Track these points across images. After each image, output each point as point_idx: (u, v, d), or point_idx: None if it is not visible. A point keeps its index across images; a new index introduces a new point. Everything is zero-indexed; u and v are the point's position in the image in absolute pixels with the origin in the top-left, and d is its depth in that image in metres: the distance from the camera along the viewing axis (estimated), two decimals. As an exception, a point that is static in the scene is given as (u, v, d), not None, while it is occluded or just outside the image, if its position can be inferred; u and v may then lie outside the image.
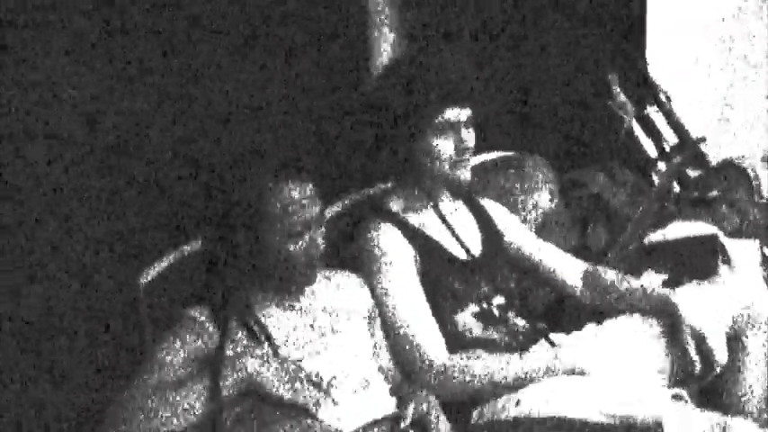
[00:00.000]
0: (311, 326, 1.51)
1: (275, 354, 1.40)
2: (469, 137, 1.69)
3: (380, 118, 1.70)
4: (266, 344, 1.43)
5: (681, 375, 1.69)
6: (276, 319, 1.48)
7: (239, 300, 1.47)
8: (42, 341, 1.56)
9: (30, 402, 1.55)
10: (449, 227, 1.73)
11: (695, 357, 1.67)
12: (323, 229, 1.48)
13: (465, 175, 1.71)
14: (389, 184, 1.84)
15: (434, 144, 1.68)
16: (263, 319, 1.46)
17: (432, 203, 1.75)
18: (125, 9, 1.64)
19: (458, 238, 1.73)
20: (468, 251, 1.73)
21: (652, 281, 1.94)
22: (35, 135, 1.54)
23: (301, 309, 1.52)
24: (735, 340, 1.77)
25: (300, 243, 1.44)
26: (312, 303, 1.54)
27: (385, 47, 2.13)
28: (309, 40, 1.97)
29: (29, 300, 1.55)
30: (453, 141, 1.68)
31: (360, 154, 1.80)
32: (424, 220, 1.75)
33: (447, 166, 1.69)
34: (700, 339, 1.68)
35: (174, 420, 1.27)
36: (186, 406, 1.28)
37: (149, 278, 1.59)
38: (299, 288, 1.51)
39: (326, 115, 2.00)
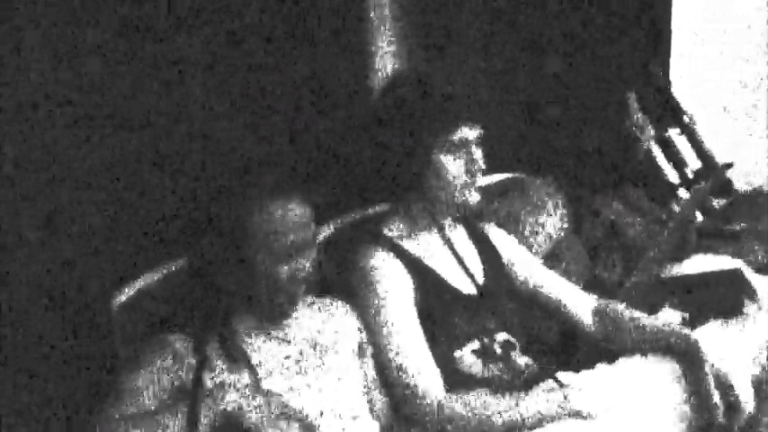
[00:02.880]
0: (298, 358, 1.47)
1: (258, 387, 1.35)
2: (479, 156, 1.67)
3: (385, 134, 1.67)
4: (249, 375, 1.39)
5: (702, 424, 1.63)
6: (260, 349, 1.44)
7: (220, 325, 1.44)
8: (6, 363, 1.52)
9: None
10: (456, 254, 1.70)
11: (718, 404, 1.62)
12: (314, 254, 1.45)
13: (475, 197, 1.68)
14: (386, 207, 1.80)
15: (445, 164, 1.63)
16: (246, 349, 1.42)
17: (436, 228, 1.71)
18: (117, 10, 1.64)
19: (464, 267, 1.69)
20: (469, 282, 1.69)
21: (670, 318, 1.90)
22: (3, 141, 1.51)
23: (288, 339, 1.48)
24: (761, 385, 1.74)
25: (289, 266, 1.41)
26: (299, 334, 1.50)
27: (387, 58, 2.12)
28: (308, 50, 1.95)
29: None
30: (464, 161, 1.65)
31: (358, 172, 1.79)
32: (423, 247, 1.70)
33: (457, 188, 1.66)
34: (723, 384, 1.64)
35: None
36: None
37: (124, 298, 1.53)
38: (282, 312, 1.47)
39: (324, 129, 1.98)
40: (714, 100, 2.75)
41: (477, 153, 1.65)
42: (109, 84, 1.60)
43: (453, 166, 1.63)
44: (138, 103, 1.65)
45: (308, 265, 1.42)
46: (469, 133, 1.63)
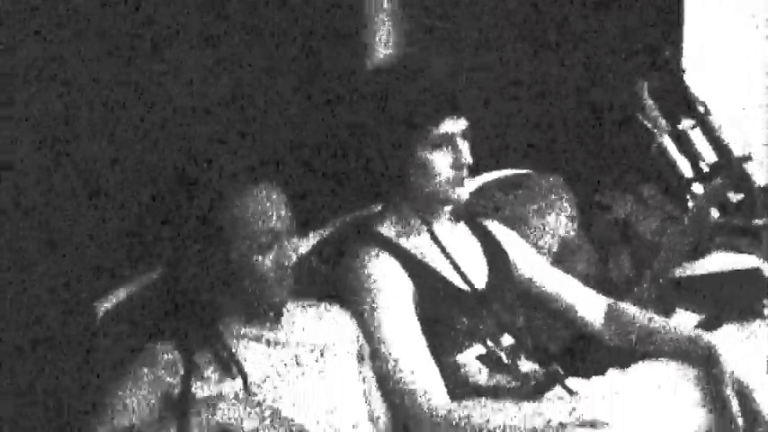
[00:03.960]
0: (291, 363, 1.44)
1: (250, 396, 1.35)
2: (466, 150, 1.65)
3: (371, 127, 1.65)
4: (240, 384, 1.36)
5: (720, 431, 1.59)
6: (251, 355, 1.41)
7: (206, 332, 1.41)
8: None
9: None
10: (446, 254, 1.66)
11: (738, 413, 1.58)
12: (295, 242, 1.43)
13: (462, 193, 1.66)
14: (380, 206, 1.78)
15: (429, 159, 1.63)
16: (237, 354, 1.39)
17: (426, 227, 1.68)
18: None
19: (458, 267, 1.65)
20: (470, 282, 1.66)
21: (685, 321, 1.90)
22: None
23: (280, 343, 1.45)
24: None
25: (269, 255, 1.39)
26: (292, 337, 1.47)
27: (378, 48, 2.11)
28: (295, 43, 1.94)
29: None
30: (450, 156, 1.64)
31: (346, 168, 1.76)
32: (421, 245, 1.68)
33: (443, 184, 1.64)
34: (742, 390, 1.59)
35: None
36: None
37: (108, 305, 1.52)
38: (272, 309, 1.44)
39: (308, 121, 1.97)
40: (731, 89, 2.74)
41: (464, 147, 1.64)
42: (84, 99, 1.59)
43: (437, 161, 1.62)
44: (114, 108, 1.63)
45: (291, 251, 1.40)
46: (453, 126, 1.62)
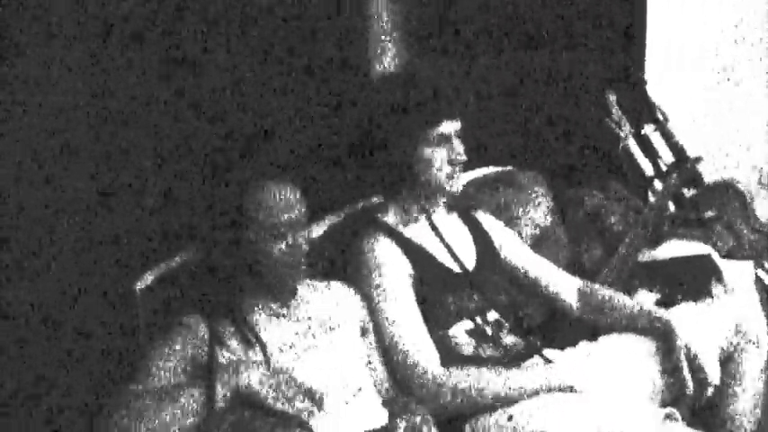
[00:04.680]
0: (304, 335, 1.51)
1: (268, 363, 1.40)
2: (461, 148, 1.71)
3: (375, 131, 1.71)
4: (259, 353, 1.43)
5: (673, 395, 1.69)
6: (269, 328, 1.49)
7: (230, 306, 1.48)
8: (35, 345, 1.55)
9: (23, 406, 1.55)
10: (442, 240, 1.73)
11: (688, 377, 1.67)
12: (307, 231, 1.50)
13: (457, 185, 1.73)
14: (382, 197, 1.84)
15: (429, 155, 1.69)
16: (256, 328, 1.47)
17: (425, 215, 1.75)
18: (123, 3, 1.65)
19: (451, 252, 1.73)
20: (462, 265, 1.73)
21: (645, 299, 1.95)
22: (25, 134, 1.53)
23: (294, 317, 1.53)
24: (727, 361, 1.77)
25: (284, 244, 1.46)
26: (305, 312, 1.54)
27: (381, 55, 2.13)
28: (307, 45, 1.97)
29: (21, 305, 1.55)
30: (447, 152, 1.70)
31: (353, 164, 1.81)
32: (419, 232, 1.75)
33: (441, 177, 1.71)
34: (693, 359, 1.68)
35: (168, 427, 1.26)
36: (179, 414, 1.28)
37: (145, 284, 1.59)
38: (286, 290, 1.52)
39: (318, 121, 2.01)
40: (688, 98, 2.80)
41: (458, 145, 1.70)
42: (123, 87, 1.62)
43: (437, 157, 1.69)
44: (138, 96, 1.66)
45: (303, 243, 1.47)
46: (450, 127, 1.68)
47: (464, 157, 1.71)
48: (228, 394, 1.31)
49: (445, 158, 1.70)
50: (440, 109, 1.68)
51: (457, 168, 1.71)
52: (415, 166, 1.70)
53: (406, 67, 2.14)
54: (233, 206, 1.45)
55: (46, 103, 1.53)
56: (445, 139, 1.69)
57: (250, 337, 1.44)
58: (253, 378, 1.33)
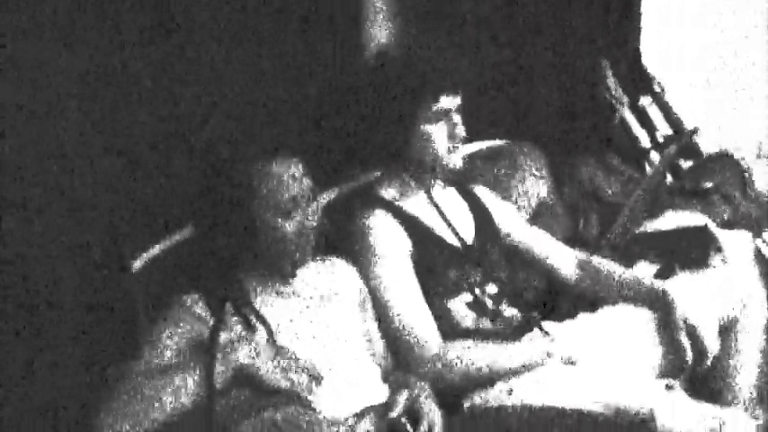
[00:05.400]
0: (305, 311, 1.51)
1: (269, 341, 1.40)
2: (460, 123, 1.71)
3: (374, 107, 1.71)
4: (260, 331, 1.43)
5: (673, 365, 1.70)
6: (270, 306, 1.48)
7: (235, 284, 1.48)
8: (33, 324, 1.55)
9: (23, 384, 1.55)
10: (441, 214, 1.73)
11: (687, 347, 1.67)
12: (315, 206, 1.49)
13: (457, 161, 1.72)
14: (380, 172, 1.84)
15: (429, 130, 1.68)
16: (256, 306, 1.46)
17: (425, 190, 1.75)
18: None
19: (450, 225, 1.73)
20: (461, 239, 1.73)
21: (644, 271, 1.93)
22: (23, 119, 1.52)
23: (294, 294, 1.52)
24: (726, 331, 1.78)
25: (292, 220, 1.45)
26: (306, 289, 1.54)
27: (378, 31, 2.12)
28: (301, 24, 1.95)
29: (21, 283, 1.54)
30: (447, 128, 1.69)
31: (352, 139, 1.81)
32: (417, 207, 1.75)
33: (441, 152, 1.70)
34: (691, 330, 1.68)
35: (168, 405, 1.27)
36: (180, 391, 1.28)
37: (143, 263, 1.59)
38: (294, 267, 1.50)
39: (317, 99, 1.99)
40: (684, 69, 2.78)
41: (458, 120, 1.69)
42: (124, 66, 1.61)
43: (436, 133, 1.67)
44: (143, 78, 1.66)
45: (311, 217, 1.47)
46: (449, 103, 1.67)
47: (464, 133, 1.70)
48: (229, 374, 1.31)
49: (445, 134, 1.69)
50: (439, 84, 1.66)
51: (457, 144, 1.70)
52: (414, 142, 1.69)
53: (401, 42, 2.12)
54: (237, 184, 1.44)
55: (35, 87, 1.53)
56: (444, 115, 1.68)
57: (252, 317, 1.43)
58: (253, 356, 1.33)
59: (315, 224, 1.49)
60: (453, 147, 1.70)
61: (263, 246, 1.46)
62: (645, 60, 2.50)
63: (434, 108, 1.67)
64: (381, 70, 1.72)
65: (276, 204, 1.44)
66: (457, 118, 1.70)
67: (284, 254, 1.47)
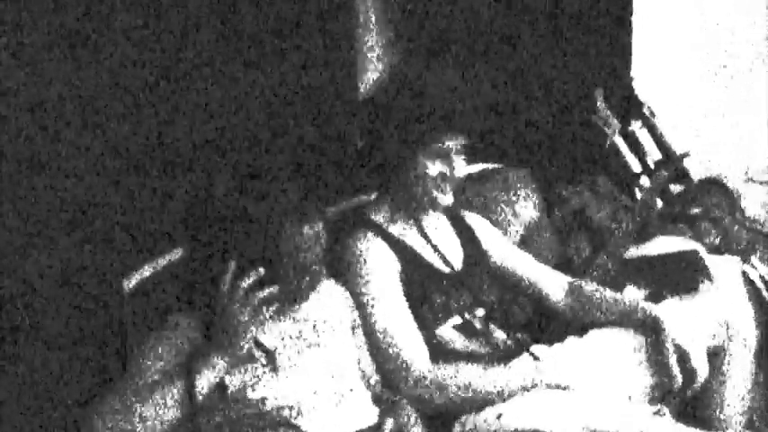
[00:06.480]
0: (296, 336, 1.50)
1: (274, 366, 1.41)
2: (459, 164, 1.70)
3: (372, 133, 1.71)
4: (263, 358, 1.42)
5: (662, 390, 1.70)
6: (265, 330, 1.47)
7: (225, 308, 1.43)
8: (24, 344, 1.55)
9: (11, 403, 1.54)
10: (428, 240, 1.74)
11: (676, 372, 1.68)
12: (323, 236, 1.46)
13: (448, 199, 1.71)
14: (373, 196, 1.84)
15: (425, 166, 1.67)
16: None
17: (412, 219, 1.75)
18: (116, 11, 1.66)
19: (438, 252, 1.73)
20: (449, 264, 1.74)
21: (633, 295, 1.95)
22: (21, 135, 1.52)
23: (287, 318, 1.52)
24: (715, 355, 1.79)
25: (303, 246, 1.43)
26: (298, 314, 1.53)
27: (373, 59, 2.15)
28: (298, 52, 1.98)
29: (11, 302, 1.54)
30: (443, 167, 1.68)
31: (346, 164, 1.83)
32: (408, 231, 1.75)
33: (431, 188, 1.69)
34: (681, 354, 1.69)
35: (152, 423, 1.28)
36: (163, 408, 1.29)
37: (134, 282, 1.60)
38: (301, 298, 1.49)
39: (312, 123, 2.01)
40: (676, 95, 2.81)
41: (458, 161, 1.68)
42: (118, 85, 1.63)
43: (433, 170, 1.66)
44: (141, 104, 1.68)
45: (320, 246, 1.45)
46: (451, 143, 1.66)
47: (459, 175, 1.69)
48: (208, 390, 1.32)
49: (441, 172, 1.68)
50: (443, 125, 1.65)
51: (450, 184, 1.69)
52: (409, 172, 1.69)
53: (409, 70, 2.03)
54: (267, 242, 1.40)
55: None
56: (445, 154, 1.67)
57: (255, 350, 1.41)
58: (229, 371, 1.34)
59: (322, 250, 1.47)
60: (446, 185, 1.69)
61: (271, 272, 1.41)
62: (636, 85, 2.51)
63: (437, 146, 1.66)
64: (383, 102, 1.69)
65: (298, 265, 1.42)
66: (456, 159, 1.68)
67: (292, 283, 1.45)
